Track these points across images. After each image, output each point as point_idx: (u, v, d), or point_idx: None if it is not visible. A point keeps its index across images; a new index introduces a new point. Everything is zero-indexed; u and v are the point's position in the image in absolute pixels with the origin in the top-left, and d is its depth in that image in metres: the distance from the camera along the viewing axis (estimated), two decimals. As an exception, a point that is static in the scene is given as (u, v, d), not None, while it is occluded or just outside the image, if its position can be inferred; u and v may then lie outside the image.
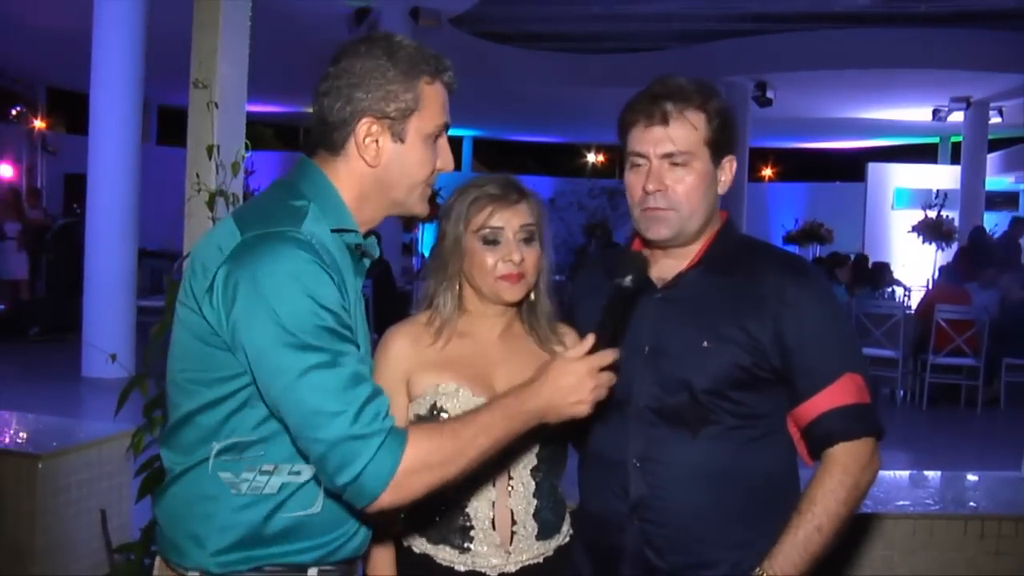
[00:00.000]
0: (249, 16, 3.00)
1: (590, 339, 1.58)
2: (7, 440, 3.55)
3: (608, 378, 1.56)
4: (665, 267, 1.83)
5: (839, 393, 1.71)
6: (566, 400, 1.54)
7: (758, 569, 1.68)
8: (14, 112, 16.54)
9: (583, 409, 1.55)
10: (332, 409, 1.39)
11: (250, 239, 1.45)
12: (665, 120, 1.74)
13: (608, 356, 1.57)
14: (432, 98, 1.58)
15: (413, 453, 1.42)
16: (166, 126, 19.03)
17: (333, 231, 1.55)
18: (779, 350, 1.72)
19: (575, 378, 1.53)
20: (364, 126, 1.55)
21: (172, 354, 1.56)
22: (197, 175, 2.87)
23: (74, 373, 8.14)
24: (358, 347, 1.48)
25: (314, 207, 1.54)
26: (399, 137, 1.57)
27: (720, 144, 1.77)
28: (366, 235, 1.66)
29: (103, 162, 8.32)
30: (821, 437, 1.73)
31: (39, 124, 16.66)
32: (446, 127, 1.63)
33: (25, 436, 3.66)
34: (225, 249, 1.46)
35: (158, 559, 1.63)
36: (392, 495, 1.42)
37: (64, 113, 17.88)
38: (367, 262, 1.69)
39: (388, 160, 1.58)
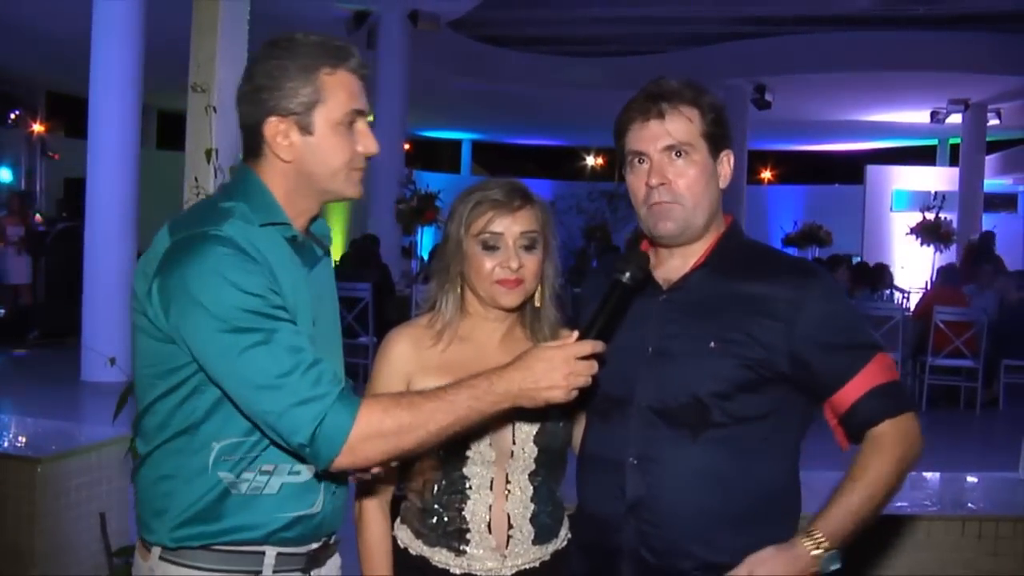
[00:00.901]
0: (247, 20, 3.01)
1: (575, 333, 1.62)
2: (7, 444, 3.56)
3: (586, 367, 1.58)
4: (671, 268, 1.84)
5: (871, 375, 1.71)
6: (538, 385, 1.57)
7: (810, 527, 1.68)
8: (13, 116, 16.54)
9: (557, 395, 1.58)
10: (272, 382, 1.49)
11: (176, 242, 1.57)
12: (661, 116, 1.76)
13: (587, 346, 1.59)
14: (336, 87, 1.63)
15: (367, 419, 1.50)
16: (166, 130, 19.04)
17: (264, 225, 1.62)
18: (791, 352, 1.71)
19: (549, 364, 1.57)
20: (271, 125, 1.62)
21: (134, 354, 1.67)
22: (196, 179, 2.88)
23: (73, 377, 8.15)
24: (294, 323, 1.56)
25: (242, 207, 1.62)
26: (307, 130, 1.63)
27: (716, 137, 1.79)
28: (312, 221, 1.74)
29: (102, 166, 8.32)
30: (864, 421, 1.72)
31: (38, 128, 16.65)
32: (359, 113, 1.67)
33: (24, 440, 3.67)
34: (159, 253, 1.58)
35: (137, 542, 1.70)
36: (347, 458, 1.51)
37: (63, 117, 17.87)
38: (318, 251, 1.76)
39: (302, 154, 1.64)
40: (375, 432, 1.51)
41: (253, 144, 1.67)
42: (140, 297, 1.60)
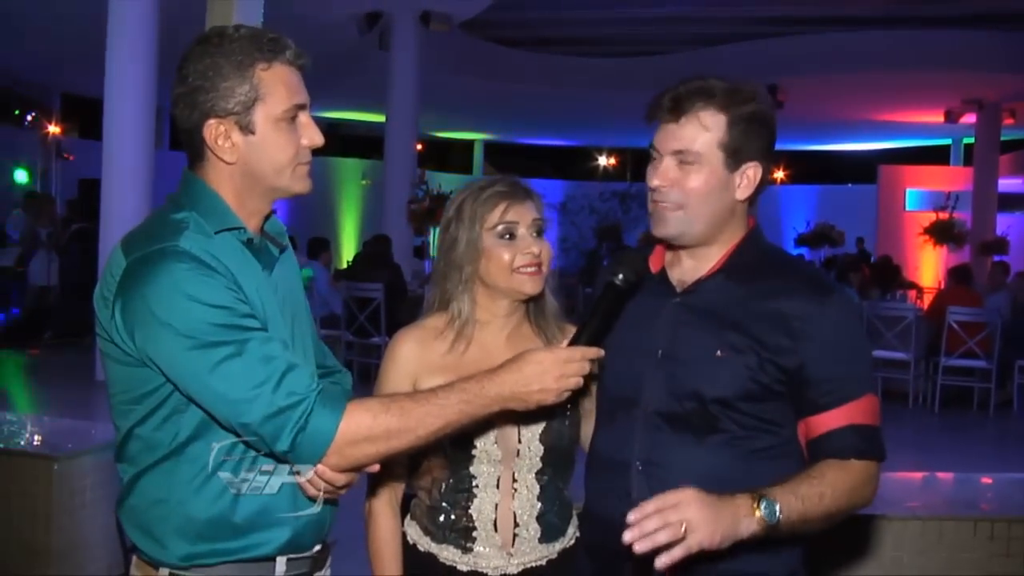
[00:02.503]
0: (261, 22, 3.03)
1: (566, 339, 1.63)
2: (23, 443, 3.60)
3: (577, 368, 1.60)
4: (685, 270, 1.81)
5: (855, 411, 1.68)
6: (529, 388, 1.58)
7: (760, 493, 1.57)
8: (29, 118, 16.65)
9: (547, 398, 1.60)
10: (248, 394, 1.47)
11: (132, 262, 1.52)
12: (676, 117, 1.71)
13: (576, 352, 1.60)
14: (274, 82, 1.58)
15: (355, 423, 1.50)
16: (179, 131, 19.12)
17: (220, 232, 1.59)
18: (797, 367, 1.69)
19: (540, 367, 1.58)
20: (211, 128, 1.58)
21: (107, 381, 1.63)
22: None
23: (88, 376, 8.20)
24: (265, 330, 1.54)
25: (194, 216, 1.58)
26: (248, 130, 1.58)
27: (740, 150, 1.71)
28: (266, 220, 1.70)
29: (117, 167, 8.37)
30: (833, 452, 1.69)
31: (54, 130, 16.76)
32: (301, 107, 1.61)
33: (41, 439, 3.70)
34: (116, 276, 1.54)
35: (134, 558, 1.68)
36: (335, 460, 1.51)
37: (78, 118, 17.99)
38: (275, 251, 1.72)
39: (245, 154, 1.59)
40: (363, 437, 1.51)
41: (195, 148, 1.62)
42: (104, 323, 1.56)
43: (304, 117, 1.63)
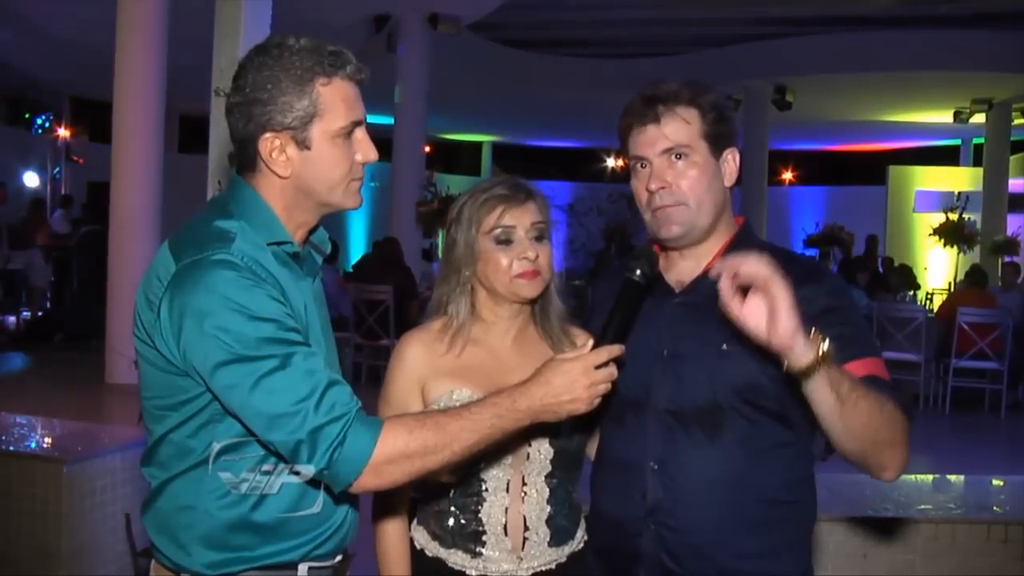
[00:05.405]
0: (269, 25, 3.04)
1: (590, 342, 1.61)
2: (33, 445, 3.60)
3: (606, 375, 1.58)
4: (683, 271, 1.84)
5: (868, 365, 1.67)
6: (559, 399, 1.56)
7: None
8: (40, 121, 16.72)
9: (579, 407, 1.57)
10: (289, 409, 1.45)
11: (182, 268, 1.50)
12: (657, 119, 1.76)
13: (603, 353, 1.58)
14: (332, 98, 1.56)
15: (391, 442, 1.48)
16: (188, 134, 19.18)
17: (268, 244, 1.58)
18: None
19: (568, 377, 1.56)
20: (266, 141, 1.56)
21: (141, 384, 1.61)
22: (219, 182, 2.91)
23: (98, 379, 8.22)
24: (308, 345, 1.52)
25: (243, 225, 1.57)
26: (304, 145, 1.57)
27: (718, 137, 1.79)
28: (313, 230, 1.70)
29: (127, 170, 8.39)
30: None
31: (63, 133, 16.82)
32: (358, 123, 1.61)
33: (50, 441, 3.71)
34: (163, 280, 1.52)
35: (153, 562, 1.68)
36: (372, 480, 1.49)
37: (88, 122, 18.06)
38: (318, 259, 1.72)
39: (299, 169, 1.58)
40: (400, 454, 1.49)
41: (247, 158, 1.60)
42: (146, 326, 1.54)
43: (360, 133, 1.62)
